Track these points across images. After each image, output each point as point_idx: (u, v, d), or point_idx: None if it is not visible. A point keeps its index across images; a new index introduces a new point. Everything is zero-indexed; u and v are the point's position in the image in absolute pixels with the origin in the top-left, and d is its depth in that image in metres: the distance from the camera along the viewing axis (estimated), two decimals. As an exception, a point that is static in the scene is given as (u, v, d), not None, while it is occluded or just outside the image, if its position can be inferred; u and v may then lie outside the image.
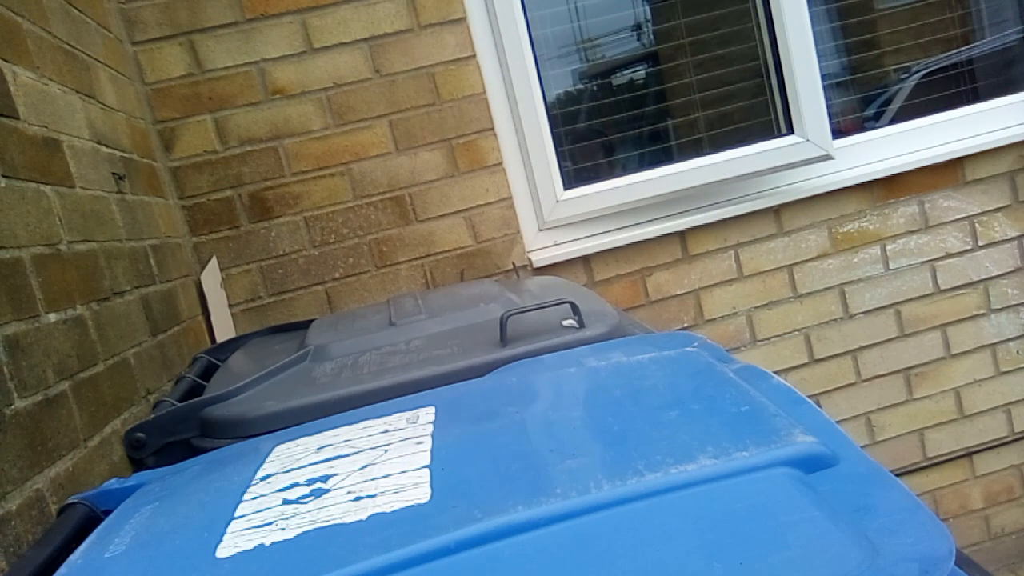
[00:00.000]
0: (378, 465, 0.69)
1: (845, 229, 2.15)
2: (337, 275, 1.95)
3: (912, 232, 2.18)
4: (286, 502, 0.65)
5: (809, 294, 2.15)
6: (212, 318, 1.73)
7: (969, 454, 2.26)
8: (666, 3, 2.24)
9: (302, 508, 0.63)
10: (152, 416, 1.12)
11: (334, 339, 1.26)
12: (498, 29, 1.99)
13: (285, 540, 0.58)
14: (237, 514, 0.65)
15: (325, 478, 0.68)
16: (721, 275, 2.11)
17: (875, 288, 2.18)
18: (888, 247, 2.18)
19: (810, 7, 2.08)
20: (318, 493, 0.65)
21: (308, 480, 0.69)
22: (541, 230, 2.08)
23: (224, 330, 1.80)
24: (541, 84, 2.06)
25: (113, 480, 0.90)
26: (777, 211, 2.12)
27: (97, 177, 1.32)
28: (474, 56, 1.96)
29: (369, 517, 0.59)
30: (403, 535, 0.55)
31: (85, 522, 0.83)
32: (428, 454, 0.70)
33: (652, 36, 2.27)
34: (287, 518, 0.62)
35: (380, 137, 1.94)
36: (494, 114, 2.00)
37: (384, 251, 1.97)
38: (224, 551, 0.59)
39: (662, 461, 0.58)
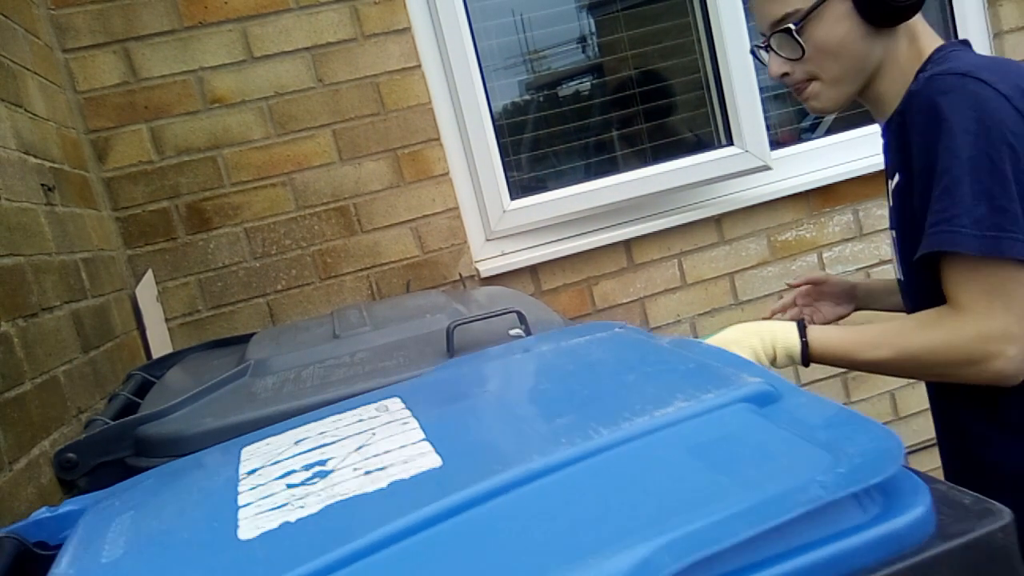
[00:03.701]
0: (373, 445, 0.67)
1: (783, 237, 2.21)
2: (279, 287, 1.91)
3: (847, 240, 2.25)
4: (291, 486, 0.62)
5: (750, 301, 2.20)
6: (147, 333, 1.68)
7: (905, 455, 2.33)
8: (609, 16, 2.27)
9: (312, 488, 0.60)
10: (84, 435, 1.08)
11: (275, 353, 1.23)
12: (443, 39, 1.99)
13: (311, 515, 0.56)
14: (241, 503, 0.61)
15: (323, 462, 0.66)
16: (665, 283, 2.15)
17: (813, 295, 2.24)
18: (825, 254, 2.24)
19: (748, 21, 2.13)
20: (323, 475, 0.63)
21: (305, 466, 0.66)
22: (488, 240, 2.08)
23: (160, 345, 1.74)
24: (487, 94, 2.06)
25: (43, 509, 0.86)
26: (718, 220, 2.16)
27: (24, 188, 1.27)
28: (419, 66, 1.95)
29: (390, 484, 0.58)
30: (434, 492, 0.54)
31: (15, 557, 0.78)
32: (420, 431, 0.69)
33: (596, 49, 2.30)
34: (301, 498, 0.59)
35: (323, 147, 1.91)
36: (440, 124, 1.99)
37: (328, 262, 1.94)
38: (246, 533, 0.55)
39: (643, 409, 0.62)
